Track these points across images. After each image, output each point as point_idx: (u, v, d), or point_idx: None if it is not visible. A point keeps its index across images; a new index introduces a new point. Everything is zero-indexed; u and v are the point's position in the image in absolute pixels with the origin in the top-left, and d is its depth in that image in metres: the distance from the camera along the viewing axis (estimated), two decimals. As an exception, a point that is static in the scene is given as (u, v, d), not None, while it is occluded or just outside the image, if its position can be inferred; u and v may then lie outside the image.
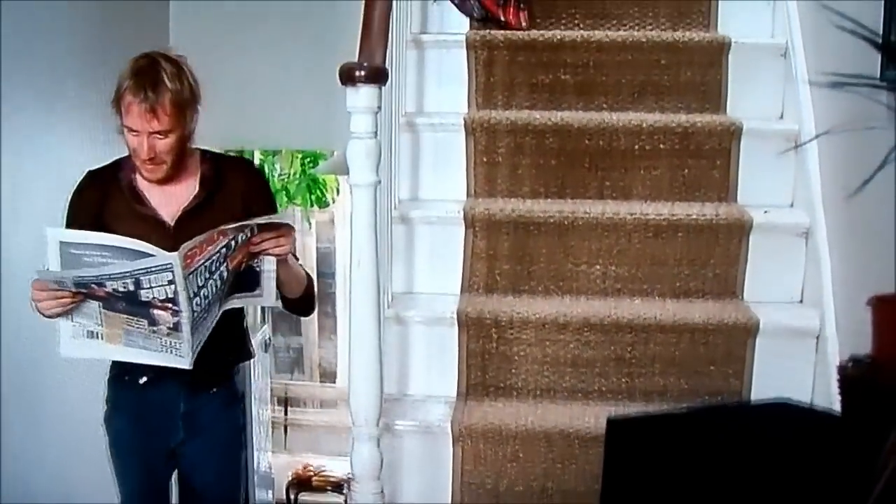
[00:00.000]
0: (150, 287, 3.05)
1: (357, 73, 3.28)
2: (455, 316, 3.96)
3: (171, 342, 3.17)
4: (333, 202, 13.37)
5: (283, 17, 5.84)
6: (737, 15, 4.77)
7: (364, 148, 3.33)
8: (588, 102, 4.50)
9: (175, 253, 3.00)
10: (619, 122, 4.32)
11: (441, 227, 4.16)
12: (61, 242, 3.08)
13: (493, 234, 4.13)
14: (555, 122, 4.32)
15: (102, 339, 3.23)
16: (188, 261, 3.05)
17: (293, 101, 5.86)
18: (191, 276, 3.07)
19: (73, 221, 3.39)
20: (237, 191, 3.42)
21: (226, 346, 3.46)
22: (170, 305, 3.08)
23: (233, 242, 3.15)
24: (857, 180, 2.53)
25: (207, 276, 3.14)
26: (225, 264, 3.16)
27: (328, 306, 13.97)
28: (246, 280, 3.29)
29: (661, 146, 4.29)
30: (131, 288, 3.05)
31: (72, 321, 3.22)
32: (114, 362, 3.54)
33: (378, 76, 3.32)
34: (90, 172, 3.48)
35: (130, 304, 3.11)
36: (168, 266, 3.01)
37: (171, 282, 3.04)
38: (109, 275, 3.04)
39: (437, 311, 4.01)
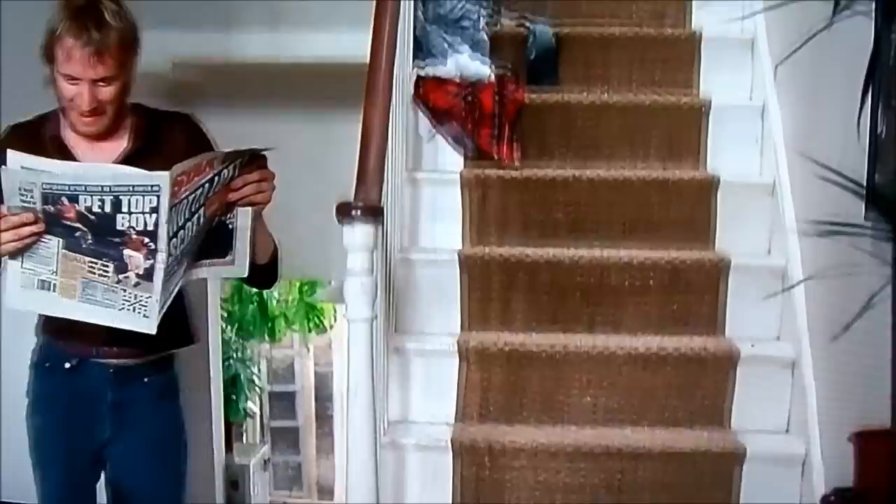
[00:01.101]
0: (130, 212, 2.70)
1: (353, 212, 3.32)
2: (449, 443, 3.96)
3: (136, 297, 2.80)
4: (331, 328, 13.44)
5: (283, 151, 5.88)
6: (726, 153, 4.82)
7: (360, 284, 3.36)
8: (580, 238, 4.53)
9: (166, 173, 2.66)
10: (610, 259, 4.37)
11: (436, 359, 4.19)
12: (23, 169, 2.71)
13: (486, 365, 4.15)
14: (547, 258, 4.37)
15: (55, 290, 2.83)
16: (175, 188, 2.70)
17: (292, 230, 5.89)
18: (173, 209, 2.72)
19: None
20: (178, 147, 3.02)
21: (163, 325, 2.91)
22: (146, 241, 2.73)
23: (216, 178, 2.81)
24: (841, 317, 2.56)
25: (188, 215, 2.79)
26: (203, 207, 2.81)
27: (326, 427, 14.02)
28: (216, 241, 2.95)
29: (651, 281, 4.34)
30: (108, 209, 2.70)
31: (22, 266, 2.83)
32: (38, 346, 3.25)
33: (374, 214, 3.37)
34: (12, 126, 3.15)
35: (100, 236, 2.74)
36: (155, 189, 2.67)
37: (153, 210, 2.70)
38: (86, 186, 2.68)
39: (432, 439, 4.02)
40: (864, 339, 3.15)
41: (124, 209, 2.70)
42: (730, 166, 4.77)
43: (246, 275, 3.03)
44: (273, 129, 5.83)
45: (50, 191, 2.69)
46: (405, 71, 4.66)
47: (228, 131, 5.61)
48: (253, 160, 2.89)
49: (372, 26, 3.99)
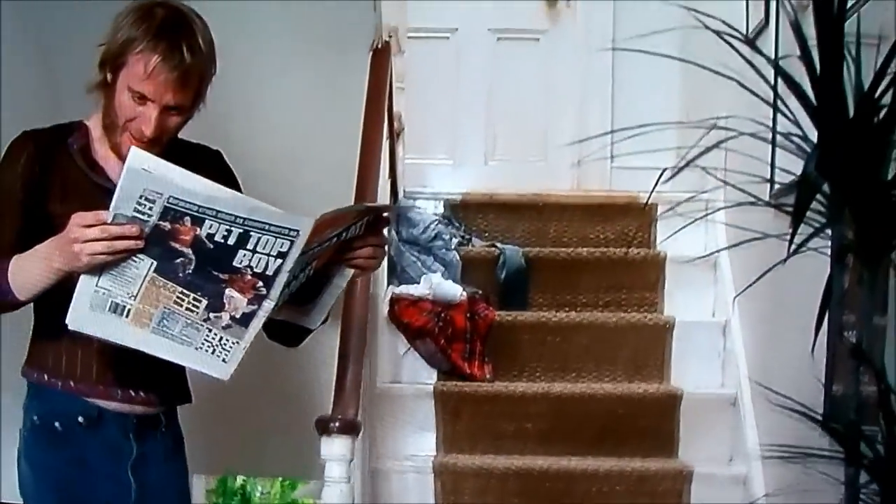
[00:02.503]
0: (254, 251, 2.31)
1: (331, 425, 3.34)
2: None
3: (221, 340, 2.42)
4: (312, 526, 13.32)
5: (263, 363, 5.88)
6: (689, 368, 4.86)
7: (338, 492, 3.35)
8: (549, 448, 4.54)
9: (310, 219, 2.28)
10: (578, 468, 4.38)
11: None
12: (146, 172, 2.28)
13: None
14: (517, 467, 4.37)
15: (128, 316, 2.38)
16: (309, 237, 2.33)
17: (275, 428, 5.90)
18: (300, 257, 2.35)
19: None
20: None
21: (179, 371, 2.67)
22: (259, 285, 2.35)
23: (344, 233, 2.46)
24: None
25: (303, 265, 2.43)
26: (317, 259, 2.47)
27: None
28: (303, 290, 2.54)
29: (618, 488, 4.34)
30: (231, 242, 2.31)
31: (97, 284, 2.38)
32: (34, 401, 2.69)
33: (351, 428, 3.38)
34: (27, 133, 2.70)
35: (206, 268, 2.35)
36: (292, 233, 2.29)
37: (281, 255, 2.33)
38: (218, 211, 2.27)
39: None
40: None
41: (249, 246, 2.32)
42: (693, 380, 4.80)
43: (315, 328, 2.67)
44: (257, 339, 5.88)
45: (175, 206, 2.29)
46: (381, 289, 4.72)
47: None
48: (375, 222, 2.57)
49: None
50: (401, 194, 5.33)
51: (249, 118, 4.59)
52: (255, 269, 2.33)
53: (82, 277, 2.36)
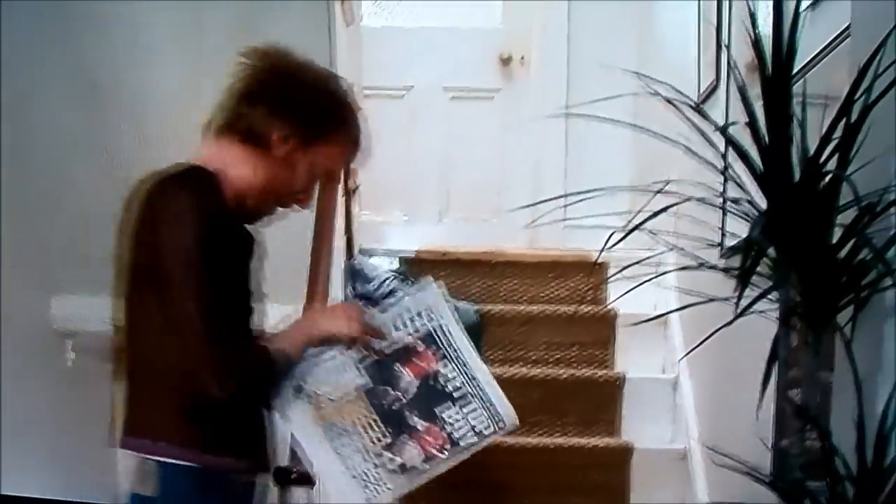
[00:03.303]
0: (466, 416, 2.36)
1: (289, 476, 3.31)
2: None
3: (378, 478, 2.39)
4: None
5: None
6: (640, 422, 4.92)
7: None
8: (502, 499, 4.60)
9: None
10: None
11: None
12: (441, 294, 2.34)
13: None
14: (472, 519, 4.37)
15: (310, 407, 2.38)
16: None
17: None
18: None
19: (212, 241, 2.37)
20: None
21: None
22: (445, 447, 2.38)
23: None
24: None
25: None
26: None
27: None
28: None
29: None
30: (456, 394, 2.34)
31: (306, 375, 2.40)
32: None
33: (307, 480, 3.34)
34: (208, 172, 2.44)
35: (412, 409, 2.35)
36: (500, 423, 2.39)
37: (478, 434, 2.40)
38: (464, 363, 2.33)
39: None
40: None
41: (465, 409, 2.39)
42: (644, 435, 4.83)
43: None
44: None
45: (437, 336, 2.37)
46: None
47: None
48: None
49: (304, 302, 4.04)
50: (356, 251, 5.33)
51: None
52: (454, 432, 2.37)
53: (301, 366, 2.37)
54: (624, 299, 4.79)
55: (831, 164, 2.23)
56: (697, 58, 4.69)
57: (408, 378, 2.36)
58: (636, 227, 2.26)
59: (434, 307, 2.40)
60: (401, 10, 6.53)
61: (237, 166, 2.49)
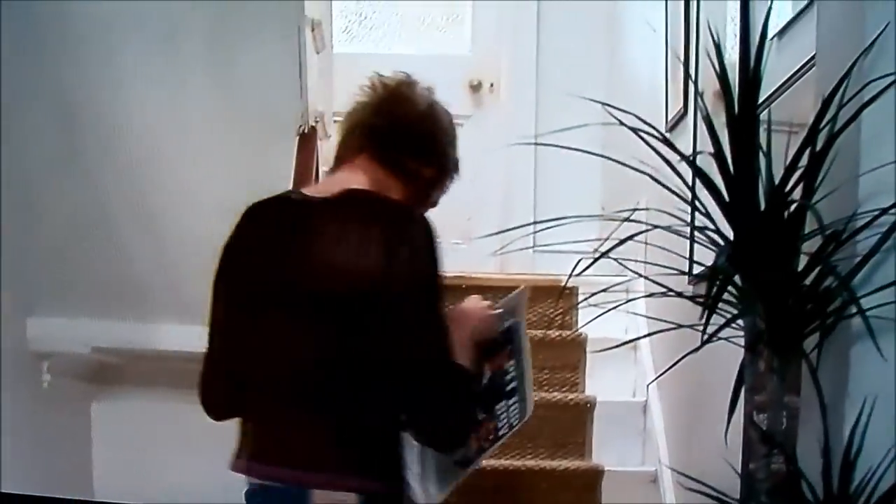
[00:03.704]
0: (508, 408, 2.52)
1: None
2: None
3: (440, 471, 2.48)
4: None
5: (198, 438, 5.83)
6: (611, 445, 4.93)
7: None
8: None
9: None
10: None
11: None
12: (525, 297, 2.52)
13: None
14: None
15: None
16: None
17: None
18: None
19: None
20: None
21: None
22: (490, 438, 2.53)
23: None
24: None
25: None
26: None
27: None
28: None
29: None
30: (508, 388, 2.51)
31: None
32: None
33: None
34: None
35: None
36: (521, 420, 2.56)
37: (511, 426, 2.55)
38: (520, 360, 2.53)
39: None
40: None
41: (510, 402, 2.54)
42: (614, 458, 4.83)
43: None
44: (188, 412, 5.83)
45: (509, 333, 2.57)
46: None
47: (149, 411, 5.60)
48: None
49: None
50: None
51: (180, 204, 4.60)
52: (498, 424, 2.50)
53: None
54: (594, 323, 4.84)
55: (797, 193, 2.24)
56: (665, 86, 4.72)
57: (486, 373, 2.48)
58: (603, 255, 2.27)
59: (518, 306, 2.56)
60: (371, 36, 6.55)
61: (390, 193, 2.61)
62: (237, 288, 2.62)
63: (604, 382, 5.09)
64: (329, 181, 2.70)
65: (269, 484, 2.46)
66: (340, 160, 2.69)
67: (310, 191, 2.68)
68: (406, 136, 2.66)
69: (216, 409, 2.79)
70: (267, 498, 2.47)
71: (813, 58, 2.70)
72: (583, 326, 5.10)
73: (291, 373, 2.46)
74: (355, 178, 2.58)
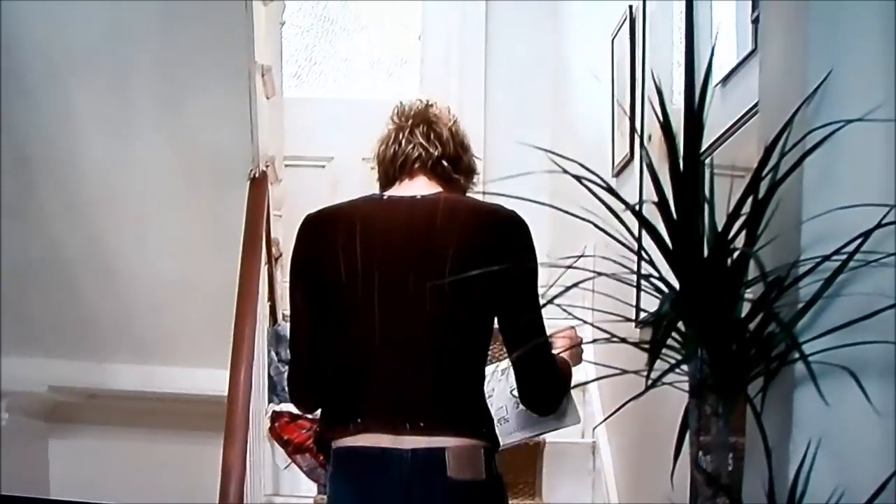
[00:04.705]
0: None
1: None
2: None
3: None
4: None
5: (151, 470, 5.81)
6: (561, 486, 4.95)
7: None
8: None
9: None
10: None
11: None
12: None
13: None
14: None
15: None
16: None
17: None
18: None
19: None
20: None
21: None
22: None
23: None
24: None
25: None
26: None
27: None
28: None
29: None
30: None
31: None
32: None
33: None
34: None
35: None
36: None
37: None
38: None
39: None
40: None
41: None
42: (564, 497, 4.82)
43: None
44: (145, 450, 5.81)
45: None
46: (261, 406, 4.66)
47: (104, 450, 5.55)
48: None
49: (230, 366, 4.04)
50: (280, 317, 5.31)
51: (134, 246, 4.59)
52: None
53: None
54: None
55: (741, 240, 2.23)
56: (612, 131, 4.73)
57: None
58: (549, 302, 2.26)
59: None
60: (321, 81, 6.56)
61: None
62: (356, 277, 2.86)
63: (553, 423, 5.08)
64: (399, 189, 3.03)
65: (386, 448, 2.75)
66: (392, 179, 3.07)
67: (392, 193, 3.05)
68: (458, 144, 3.06)
69: (312, 397, 3.01)
70: (373, 463, 2.77)
71: (756, 105, 2.70)
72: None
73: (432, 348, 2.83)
74: (425, 189, 2.99)
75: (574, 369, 4.70)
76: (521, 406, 3.03)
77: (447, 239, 2.84)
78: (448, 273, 2.76)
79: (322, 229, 2.97)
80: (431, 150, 2.98)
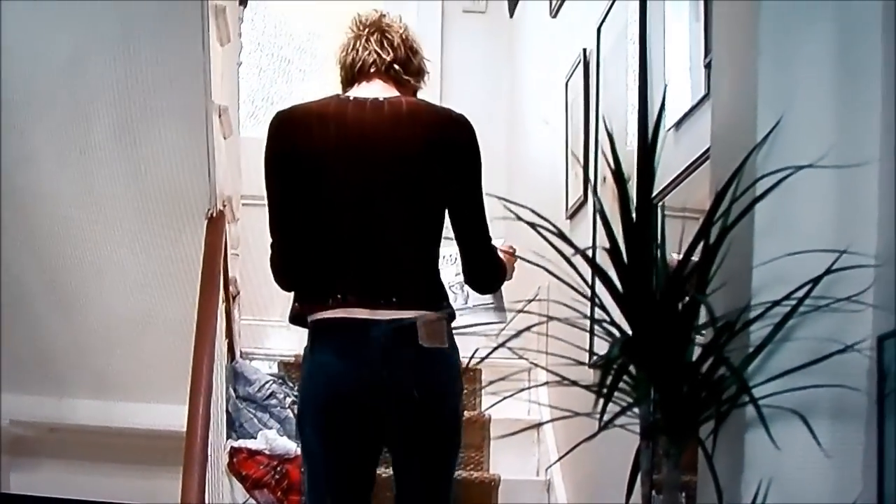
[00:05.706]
0: None
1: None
2: None
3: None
4: None
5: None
6: None
7: None
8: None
9: None
10: None
11: None
12: None
13: None
14: None
15: None
16: None
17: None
18: None
19: None
20: None
21: None
22: None
23: None
24: None
25: None
26: None
27: None
28: None
29: None
30: None
31: None
32: None
33: None
34: None
35: None
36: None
37: None
38: None
39: None
40: None
41: None
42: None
43: None
44: (104, 484, 5.74)
45: None
46: (220, 442, 4.62)
47: (65, 481, 5.48)
48: None
49: (188, 402, 3.99)
50: (237, 354, 5.27)
51: (94, 281, 4.55)
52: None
53: None
54: (497, 410, 4.83)
55: (692, 284, 2.22)
56: (566, 173, 4.72)
57: None
58: (501, 345, 2.25)
59: None
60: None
61: None
62: (322, 168, 3.15)
63: (508, 461, 5.06)
64: (360, 91, 3.27)
65: (367, 318, 3.10)
66: (351, 81, 3.32)
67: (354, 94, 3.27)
68: (411, 46, 3.34)
69: (291, 277, 3.30)
70: (357, 330, 3.10)
71: (707, 150, 2.69)
72: (487, 409, 5.09)
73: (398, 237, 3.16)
74: (380, 90, 3.26)
75: (528, 410, 4.73)
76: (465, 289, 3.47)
77: (413, 136, 3.16)
78: (413, 167, 3.14)
79: (296, 123, 3.20)
80: (384, 55, 3.27)
